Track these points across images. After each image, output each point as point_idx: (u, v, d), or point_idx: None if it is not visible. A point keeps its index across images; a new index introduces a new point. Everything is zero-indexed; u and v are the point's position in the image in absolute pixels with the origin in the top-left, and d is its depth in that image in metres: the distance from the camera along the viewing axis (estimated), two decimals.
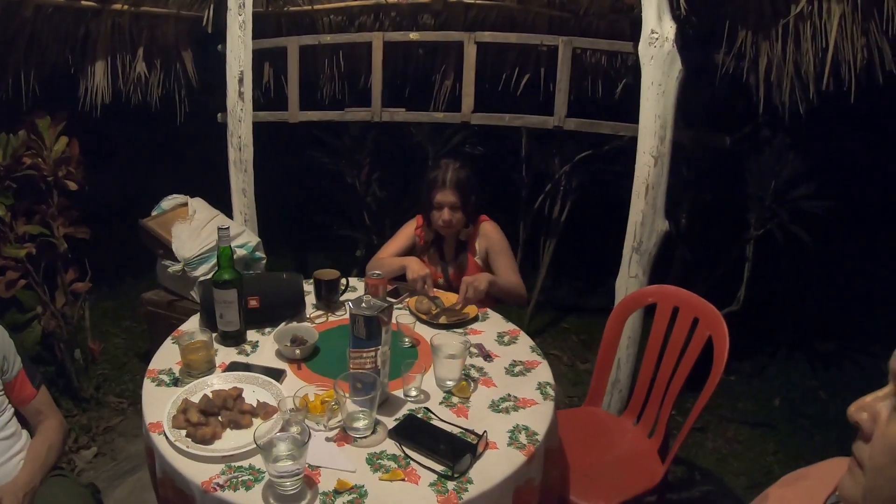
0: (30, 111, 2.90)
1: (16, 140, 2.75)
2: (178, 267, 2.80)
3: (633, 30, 2.70)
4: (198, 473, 1.36)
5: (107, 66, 3.25)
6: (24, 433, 1.80)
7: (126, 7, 3.06)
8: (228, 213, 3.24)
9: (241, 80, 3.10)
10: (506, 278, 2.43)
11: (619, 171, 2.86)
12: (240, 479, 1.34)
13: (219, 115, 3.42)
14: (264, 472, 1.34)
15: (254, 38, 3.14)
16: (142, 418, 1.60)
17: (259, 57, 3.36)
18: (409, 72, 3.79)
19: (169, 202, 3.16)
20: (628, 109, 2.83)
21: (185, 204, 3.14)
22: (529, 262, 4.03)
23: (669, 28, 2.52)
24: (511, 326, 2.15)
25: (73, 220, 3.01)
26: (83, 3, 2.88)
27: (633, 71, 2.73)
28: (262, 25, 3.37)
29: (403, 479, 1.36)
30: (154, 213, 3.12)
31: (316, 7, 3.52)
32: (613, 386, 2.84)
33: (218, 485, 1.32)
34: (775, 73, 2.71)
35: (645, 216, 2.67)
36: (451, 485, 1.35)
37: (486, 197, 2.63)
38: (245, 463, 1.39)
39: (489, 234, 2.53)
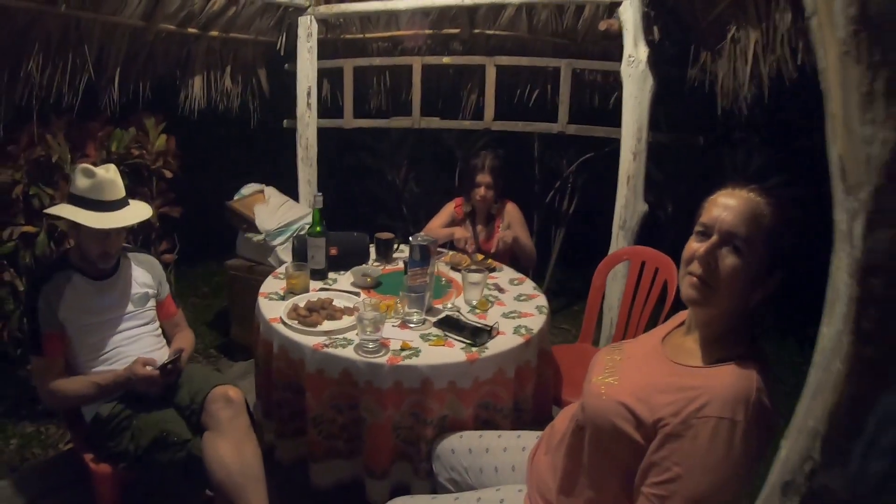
0: (139, 113, 3.52)
1: (127, 135, 3.32)
2: (260, 237, 3.52)
3: (620, 53, 3.29)
4: (308, 341, 2.06)
5: (202, 80, 3.95)
6: (164, 340, 2.37)
7: (219, 34, 3.80)
8: (295, 199, 3.92)
9: (308, 94, 3.84)
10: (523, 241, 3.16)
11: (617, 169, 3.47)
12: (338, 343, 2.06)
13: (284, 121, 4.10)
14: (353, 341, 2.06)
15: None
16: (260, 318, 2.29)
17: (319, 75, 4.00)
18: (442, 88, 4.45)
19: (248, 189, 3.85)
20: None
21: (262, 190, 3.83)
22: (542, 249, 4.63)
23: (643, 52, 3.17)
24: (520, 275, 2.83)
25: (169, 202, 3.63)
26: (189, 30, 3.62)
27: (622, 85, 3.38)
28: (323, 49, 4.02)
29: (444, 346, 2.08)
30: (236, 197, 3.81)
31: (367, 35, 4.21)
32: (609, 337, 3.44)
33: (324, 344, 2.04)
34: (725, 85, 3.32)
35: (627, 200, 3.31)
36: (474, 349, 2.06)
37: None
38: (340, 336, 2.11)
39: (511, 212, 3.26)
